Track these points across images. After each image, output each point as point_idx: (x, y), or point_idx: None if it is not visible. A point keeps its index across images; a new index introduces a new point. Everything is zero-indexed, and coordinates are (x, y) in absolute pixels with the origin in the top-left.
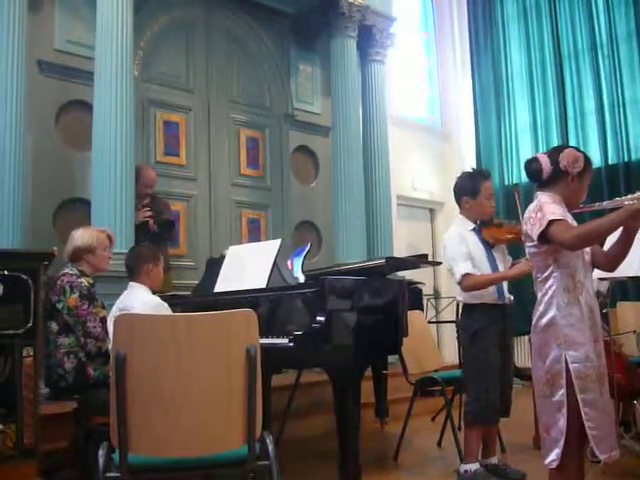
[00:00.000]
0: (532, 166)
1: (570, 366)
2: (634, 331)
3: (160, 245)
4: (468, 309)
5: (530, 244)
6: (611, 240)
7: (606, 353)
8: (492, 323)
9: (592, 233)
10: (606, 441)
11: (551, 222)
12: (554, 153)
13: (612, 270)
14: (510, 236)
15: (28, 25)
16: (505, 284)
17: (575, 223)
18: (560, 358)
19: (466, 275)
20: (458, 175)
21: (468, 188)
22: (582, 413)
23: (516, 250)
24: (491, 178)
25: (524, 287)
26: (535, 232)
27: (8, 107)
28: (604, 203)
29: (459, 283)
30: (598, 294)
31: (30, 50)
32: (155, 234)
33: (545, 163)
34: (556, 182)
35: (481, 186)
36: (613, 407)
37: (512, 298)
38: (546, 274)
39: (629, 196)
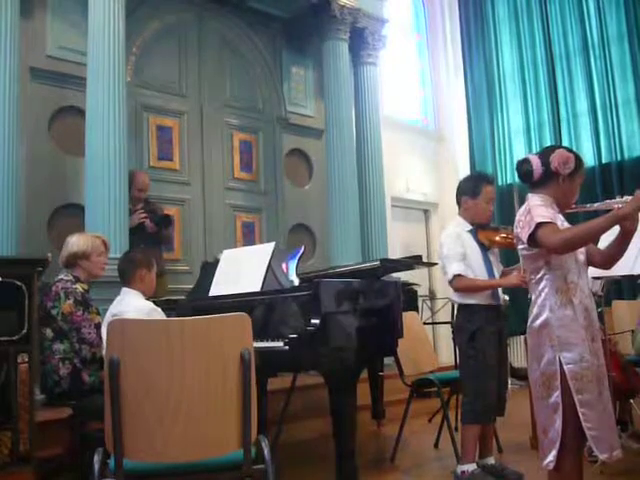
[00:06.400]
0: (523, 167)
1: (565, 367)
2: (632, 330)
3: (154, 250)
4: (464, 310)
5: (521, 247)
6: (605, 238)
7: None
8: (489, 324)
9: (579, 237)
10: (607, 441)
11: (539, 225)
12: (545, 154)
13: (608, 268)
14: (505, 240)
15: (20, 32)
16: None
17: (567, 224)
18: (554, 360)
19: (458, 276)
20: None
21: (469, 188)
22: (580, 414)
23: (509, 257)
24: (494, 184)
25: (519, 288)
26: (524, 235)
27: (1, 114)
28: (595, 205)
29: (450, 282)
30: (592, 293)
31: (22, 57)
32: (151, 236)
33: (536, 164)
34: (547, 183)
35: (482, 188)
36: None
37: (507, 299)
38: (539, 276)
39: (618, 199)
